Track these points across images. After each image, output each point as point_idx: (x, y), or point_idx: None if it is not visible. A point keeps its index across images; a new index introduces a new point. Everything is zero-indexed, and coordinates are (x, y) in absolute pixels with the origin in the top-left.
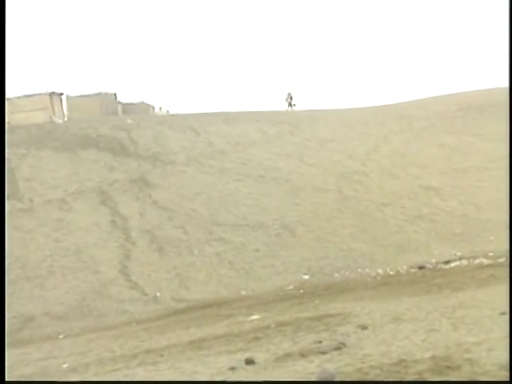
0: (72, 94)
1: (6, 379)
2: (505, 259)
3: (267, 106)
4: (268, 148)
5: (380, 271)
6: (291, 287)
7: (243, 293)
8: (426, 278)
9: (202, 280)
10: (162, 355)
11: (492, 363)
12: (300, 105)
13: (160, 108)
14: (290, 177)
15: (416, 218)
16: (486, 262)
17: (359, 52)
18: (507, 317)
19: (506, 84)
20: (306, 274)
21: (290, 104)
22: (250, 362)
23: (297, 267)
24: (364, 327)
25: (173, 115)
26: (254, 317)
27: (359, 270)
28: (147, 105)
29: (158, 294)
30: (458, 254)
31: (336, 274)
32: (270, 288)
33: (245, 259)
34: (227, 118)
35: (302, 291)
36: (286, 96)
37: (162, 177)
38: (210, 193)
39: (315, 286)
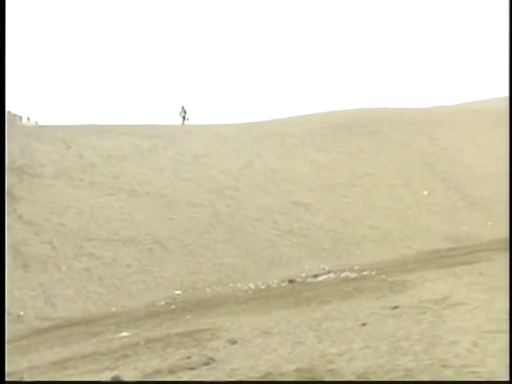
0: None
1: None
2: (369, 272)
3: (142, 119)
4: (141, 162)
5: (252, 285)
6: (163, 303)
7: (113, 309)
8: (296, 292)
9: (70, 297)
10: (21, 378)
11: (351, 373)
12: (194, 119)
13: (28, 118)
14: (163, 191)
15: (287, 233)
16: (351, 275)
17: (240, 68)
18: (368, 327)
19: (371, 105)
20: (178, 290)
21: (183, 118)
22: (116, 380)
23: (169, 282)
24: (233, 342)
25: (42, 127)
26: (123, 334)
27: (231, 284)
28: (14, 115)
29: (22, 313)
30: (326, 267)
31: (208, 289)
32: (141, 304)
33: (115, 275)
34: (99, 130)
35: (173, 307)
36: (179, 110)
37: (28, 190)
38: (80, 207)
39: (187, 301)
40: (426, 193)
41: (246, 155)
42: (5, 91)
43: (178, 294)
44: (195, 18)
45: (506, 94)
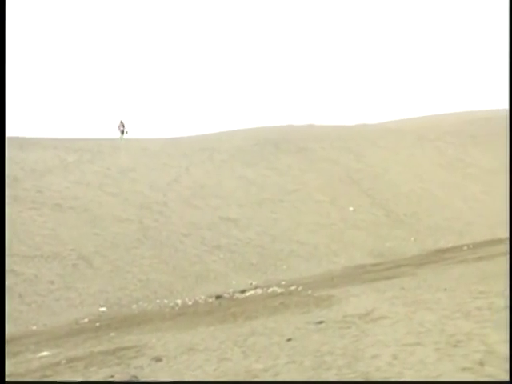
0: None
1: None
2: (295, 287)
3: (68, 132)
4: (66, 176)
5: (179, 302)
6: (86, 320)
7: (34, 328)
8: (223, 308)
9: None
10: None
11: None
12: (132, 132)
13: None
14: (89, 206)
15: (215, 249)
16: (278, 290)
17: (167, 84)
18: (293, 343)
19: (299, 122)
20: (102, 306)
21: (122, 132)
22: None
23: (93, 299)
24: (158, 359)
25: None
26: (44, 353)
27: (158, 300)
28: None
29: None
30: (254, 283)
31: (134, 306)
32: (64, 322)
33: (37, 292)
34: (23, 143)
35: (97, 324)
36: (118, 124)
37: None
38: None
39: (112, 318)
40: (351, 209)
41: (175, 170)
42: (5, 92)
43: (102, 311)
44: (129, 31)
45: (426, 113)
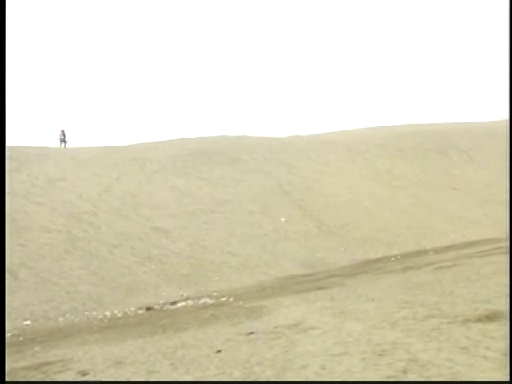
0: None
1: None
2: (227, 298)
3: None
4: None
5: (107, 314)
6: (10, 334)
7: None
8: (153, 320)
9: None
10: None
11: None
12: (73, 142)
13: None
14: (14, 216)
15: (146, 260)
16: (209, 301)
17: (99, 93)
18: (223, 354)
19: (231, 133)
20: (27, 320)
21: (62, 141)
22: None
23: (18, 312)
24: (84, 373)
25: None
26: None
27: (86, 313)
28: None
29: None
30: (185, 294)
31: (61, 319)
32: None
33: None
34: None
35: (21, 338)
36: (59, 133)
37: None
38: None
39: (37, 331)
40: (283, 220)
41: (105, 180)
42: (5, 91)
43: (27, 325)
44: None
45: (358, 126)
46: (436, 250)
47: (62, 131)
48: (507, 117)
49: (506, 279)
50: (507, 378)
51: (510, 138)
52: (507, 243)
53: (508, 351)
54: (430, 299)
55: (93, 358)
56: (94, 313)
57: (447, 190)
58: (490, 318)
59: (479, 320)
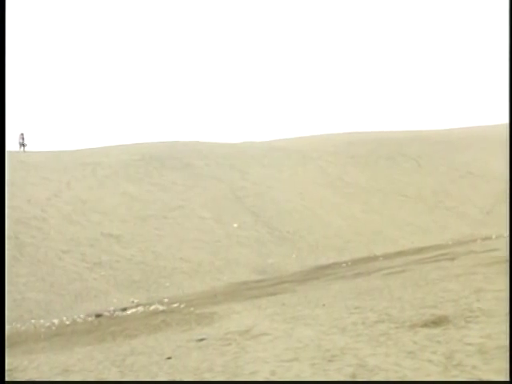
0: None
1: None
2: (178, 304)
3: None
4: None
5: (55, 321)
6: None
7: None
8: (102, 327)
9: None
10: None
11: None
12: (32, 145)
13: None
14: None
15: (96, 266)
16: (160, 308)
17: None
18: (173, 361)
19: (184, 138)
20: None
21: (21, 144)
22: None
23: None
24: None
25: None
26: None
27: (33, 320)
28: None
29: None
30: (136, 301)
31: (7, 327)
32: None
33: None
34: None
35: None
36: (18, 136)
37: None
38: None
39: None
40: (235, 226)
41: (55, 185)
42: (5, 91)
43: None
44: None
45: (312, 133)
46: (386, 256)
47: (22, 134)
48: (453, 125)
49: (452, 285)
50: (461, 379)
51: (509, 142)
52: (453, 249)
53: (451, 355)
54: (379, 305)
55: (39, 366)
56: (42, 320)
57: (397, 196)
58: (435, 322)
59: (426, 325)
